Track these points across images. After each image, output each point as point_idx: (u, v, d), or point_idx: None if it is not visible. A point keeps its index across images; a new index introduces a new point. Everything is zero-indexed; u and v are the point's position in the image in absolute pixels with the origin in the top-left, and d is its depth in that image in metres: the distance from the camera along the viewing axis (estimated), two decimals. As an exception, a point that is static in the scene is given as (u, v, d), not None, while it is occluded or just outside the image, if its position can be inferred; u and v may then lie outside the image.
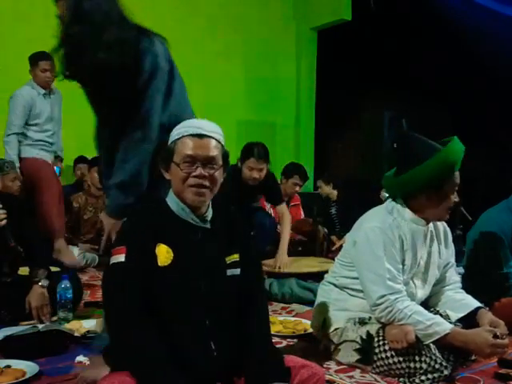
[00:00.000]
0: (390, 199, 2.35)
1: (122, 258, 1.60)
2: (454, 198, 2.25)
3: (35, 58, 4.35)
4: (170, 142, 1.73)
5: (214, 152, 1.69)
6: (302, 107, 7.41)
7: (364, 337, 2.22)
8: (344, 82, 6.72)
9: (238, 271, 1.74)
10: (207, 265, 1.69)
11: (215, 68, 6.50)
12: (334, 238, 5.00)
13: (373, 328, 2.22)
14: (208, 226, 1.72)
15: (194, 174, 1.66)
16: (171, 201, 1.73)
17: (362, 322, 2.27)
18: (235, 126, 6.56)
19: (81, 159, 5.23)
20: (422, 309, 2.18)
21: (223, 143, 1.74)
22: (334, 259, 4.00)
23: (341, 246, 4.57)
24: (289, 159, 6.10)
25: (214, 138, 1.70)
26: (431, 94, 6.42)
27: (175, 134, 1.72)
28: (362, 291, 2.29)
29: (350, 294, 2.37)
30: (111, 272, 1.64)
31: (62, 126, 5.33)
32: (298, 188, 5.02)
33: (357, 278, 2.30)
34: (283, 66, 7.29)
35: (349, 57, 6.71)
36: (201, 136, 1.68)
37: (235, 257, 1.75)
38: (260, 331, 1.72)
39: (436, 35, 6.26)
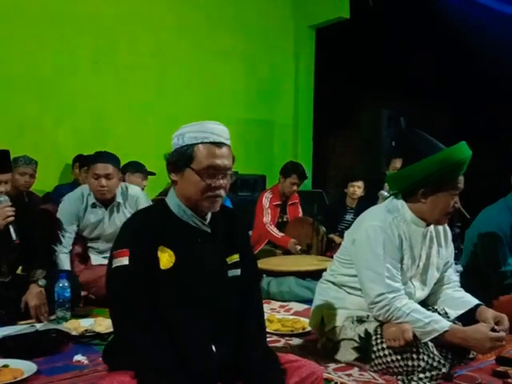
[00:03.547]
0: (391, 198, 2.35)
1: (125, 260, 1.59)
2: (455, 203, 2.21)
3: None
4: (181, 144, 1.66)
5: (230, 160, 1.69)
6: (301, 106, 7.38)
7: (362, 335, 2.22)
8: (342, 80, 6.72)
9: (238, 272, 1.75)
10: (209, 267, 1.69)
11: (214, 67, 6.49)
12: (335, 237, 4.98)
13: (371, 326, 2.22)
14: (208, 228, 1.72)
15: (214, 185, 1.65)
16: (172, 202, 1.72)
17: (360, 320, 2.28)
18: (234, 125, 6.53)
19: (79, 158, 5.20)
20: (419, 307, 2.18)
21: None
22: (332, 257, 4.02)
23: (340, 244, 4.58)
24: (287, 158, 6.09)
25: (229, 145, 1.69)
26: (429, 92, 6.43)
27: (190, 136, 1.65)
28: (360, 289, 2.30)
29: (348, 292, 2.37)
30: (116, 275, 1.62)
31: (61, 124, 5.31)
32: (295, 187, 5.00)
33: (355, 276, 2.30)
34: (282, 64, 7.27)
35: (347, 55, 6.70)
36: (220, 145, 1.66)
37: (235, 257, 1.76)
38: (258, 332, 1.73)
39: (435, 34, 6.25)
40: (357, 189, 5.32)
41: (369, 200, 4.58)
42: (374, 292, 2.17)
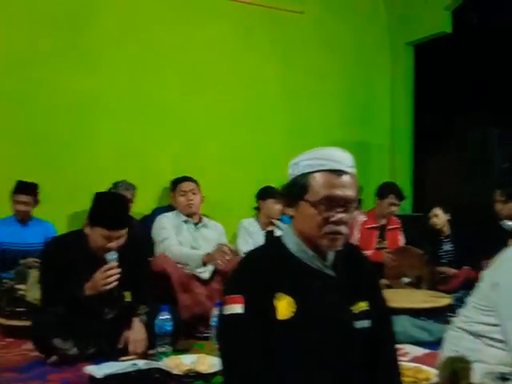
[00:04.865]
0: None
1: (238, 308, 1.41)
2: None
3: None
4: (296, 174, 1.50)
5: (353, 192, 1.47)
6: (398, 125, 7.03)
7: (508, 397, 1.90)
8: (445, 98, 6.31)
9: (367, 323, 1.52)
10: (333, 317, 1.47)
11: (307, 87, 6.32)
12: (444, 269, 4.52)
13: (518, 387, 1.89)
14: (332, 271, 1.51)
15: (332, 219, 1.45)
16: (290, 241, 1.52)
17: (504, 378, 1.95)
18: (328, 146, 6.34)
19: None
20: None
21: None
22: (445, 292, 3.65)
23: (454, 275, 4.17)
24: (384, 180, 5.76)
25: (352, 174, 1.48)
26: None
27: (305, 164, 1.49)
28: (502, 341, 1.97)
29: (486, 344, 2.05)
30: (228, 324, 1.45)
31: (159, 148, 5.31)
32: (393, 208, 4.66)
33: (497, 326, 1.98)
34: (377, 83, 6.99)
35: (449, 71, 6.30)
36: (340, 173, 1.46)
37: (363, 305, 1.53)
38: None
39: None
40: (435, 218, 4.67)
41: (469, 226, 4.18)
42: (523, 347, 1.85)
